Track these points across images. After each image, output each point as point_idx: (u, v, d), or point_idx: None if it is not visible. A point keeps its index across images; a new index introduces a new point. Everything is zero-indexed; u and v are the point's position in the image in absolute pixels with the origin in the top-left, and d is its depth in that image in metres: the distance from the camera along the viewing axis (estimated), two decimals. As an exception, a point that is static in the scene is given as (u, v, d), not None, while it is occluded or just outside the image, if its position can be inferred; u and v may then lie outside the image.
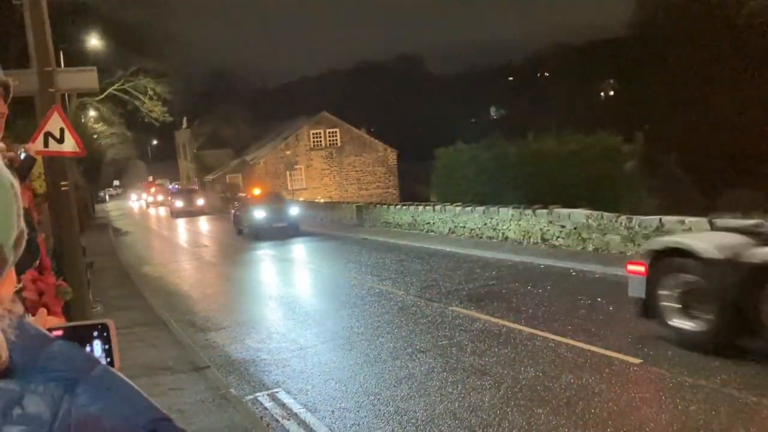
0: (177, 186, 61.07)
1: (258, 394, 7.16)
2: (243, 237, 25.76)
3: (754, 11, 40.52)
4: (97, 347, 1.16)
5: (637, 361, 7.15)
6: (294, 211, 25.32)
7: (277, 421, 6.35)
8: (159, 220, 44.43)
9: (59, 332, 1.15)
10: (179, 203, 44.25)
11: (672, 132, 36.90)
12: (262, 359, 8.55)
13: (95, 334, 1.17)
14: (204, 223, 36.73)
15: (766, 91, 36.23)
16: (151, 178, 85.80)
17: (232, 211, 28.86)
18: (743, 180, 33.00)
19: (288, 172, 42.93)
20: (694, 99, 37.17)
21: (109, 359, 1.15)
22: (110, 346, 1.16)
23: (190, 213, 42.60)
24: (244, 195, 29.82)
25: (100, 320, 1.19)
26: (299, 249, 21.29)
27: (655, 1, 41.88)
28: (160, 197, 60.30)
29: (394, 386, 7.05)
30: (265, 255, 20.27)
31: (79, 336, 1.16)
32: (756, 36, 38.41)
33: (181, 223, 37.92)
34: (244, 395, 7.12)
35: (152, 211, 55.59)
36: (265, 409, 6.71)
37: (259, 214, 24.42)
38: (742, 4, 40.44)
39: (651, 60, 40.19)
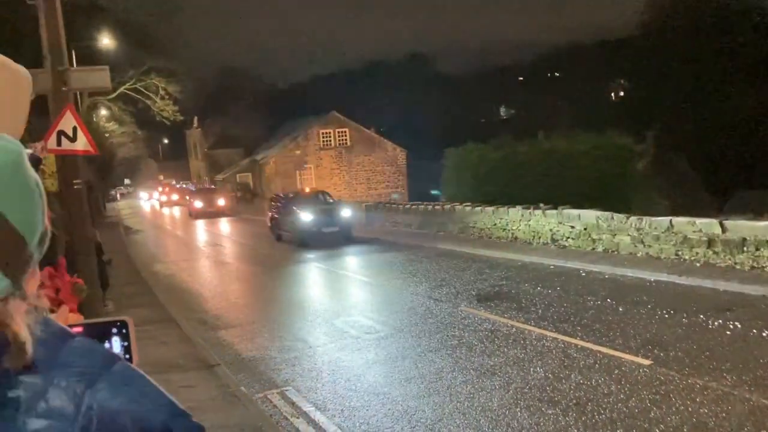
0: (195, 185, 58.46)
1: (268, 392, 7.20)
2: (283, 245, 22.00)
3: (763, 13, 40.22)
4: (116, 344, 1.19)
5: (646, 362, 7.14)
6: (346, 213, 21.66)
7: (287, 419, 6.38)
8: (176, 222, 43.40)
9: (79, 329, 1.17)
10: (198, 203, 41.36)
11: (682, 132, 36.69)
12: (272, 357, 8.59)
13: (114, 330, 1.19)
14: (226, 226, 34.20)
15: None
16: (161, 177, 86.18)
17: (269, 213, 24.64)
18: (754, 181, 32.79)
19: (298, 172, 43.03)
20: (705, 99, 36.95)
21: (127, 356, 1.18)
22: (129, 343, 1.19)
23: (211, 214, 40.02)
24: (283, 194, 25.65)
25: (120, 317, 1.22)
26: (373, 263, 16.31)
27: (665, 3, 41.65)
28: (175, 196, 58.37)
29: (404, 385, 7.07)
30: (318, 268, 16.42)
31: (99, 332, 1.19)
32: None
33: (201, 225, 35.09)
34: (254, 393, 7.16)
35: (166, 210, 53.31)
36: (275, 407, 6.74)
37: (306, 216, 20.69)
38: (756, 2, 40.15)
39: (661, 60, 39.98)
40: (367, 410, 6.43)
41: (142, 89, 34.69)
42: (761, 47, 37.02)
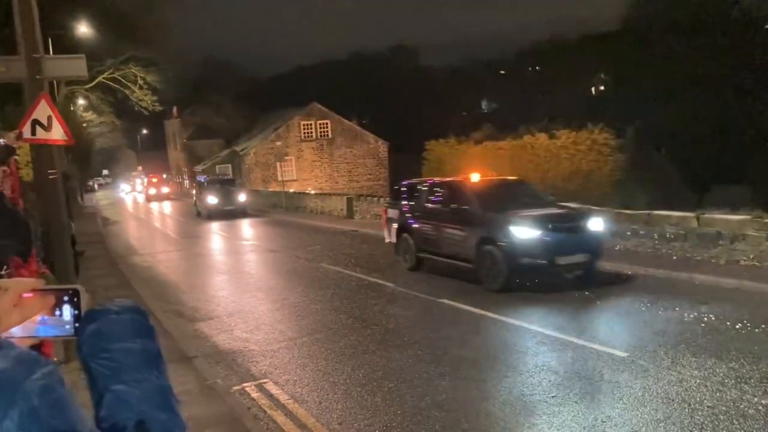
0: (206, 177, 39.24)
1: (245, 384, 7.16)
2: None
3: (750, 6, 40.67)
4: (67, 312, 1.18)
5: (623, 354, 7.20)
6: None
7: (265, 411, 6.36)
8: (181, 226, 40.49)
9: (30, 294, 1.16)
10: (213, 200, 29.99)
11: (662, 127, 37.06)
12: (250, 350, 8.55)
13: (66, 299, 1.19)
14: (259, 229, 24.96)
15: (759, 87, 36.42)
16: (140, 168, 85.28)
17: (388, 213, 14.62)
18: (732, 176, 33.22)
19: (278, 163, 42.79)
20: (683, 95, 37.32)
21: (77, 324, 1.16)
22: (79, 312, 1.18)
23: (228, 214, 29.74)
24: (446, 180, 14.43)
25: (72, 286, 1.21)
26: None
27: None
28: (165, 189, 56.20)
29: (382, 377, 7.07)
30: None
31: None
32: (751, 31, 38.56)
33: (219, 229, 25.45)
34: (231, 385, 7.12)
35: (154, 206, 46.19)
36: (253, 399, 6.71)
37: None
38: (735, 1, 40.58)
39: (642, 56, 40.29)
40: (346, 402, 6.42)
41: (120, 78, 34.28)
42: (739, 44, 37.45)
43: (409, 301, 10.77)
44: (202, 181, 33.40)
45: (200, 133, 62.35)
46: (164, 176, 64.09)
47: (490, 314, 9.32)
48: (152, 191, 55.25)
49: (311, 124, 49.71)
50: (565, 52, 56.87)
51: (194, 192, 29.77)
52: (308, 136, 49.62)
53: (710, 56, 37.02)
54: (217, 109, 60.51)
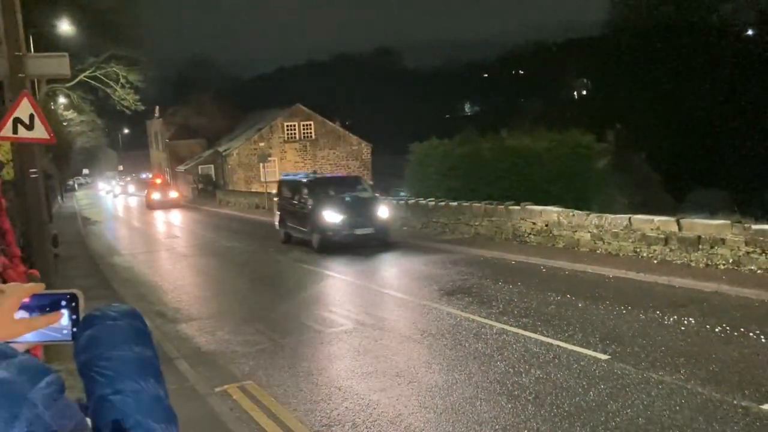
0: (305, 174, 20.95)
1: (228, 385, 7.13)
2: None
3: (727, 14, 41.25)
4: (66, 316, 1.18)
5: (604, 357, 7.27)
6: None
7: (247, 413, 6.34)
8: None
9: (28, 299, 1.16)
10: (335, 217, 16.92)
11: (642, 131, 37.46)
12: (232, 351, 8.51)
13: (64, 303, 1.19)
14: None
15: (737, 93, 36.91)
16: (120, 167, 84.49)
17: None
18: (710, 180, 33.65)
19: (261, 164, 42.64)
20: (664, 99, 37.73)
21: (75, 329, 1.16)
22: (78, 317, 1.19)
23: (363, 241, 17.23)
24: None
25: (70, 290, 1.21)
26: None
27: (629, 2, 42.39)
28: (173, 194, 42.36)
29: (365, 379, 7.08)
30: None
31: (49, 304, 1.18)
32: (728, 39, 39.09)
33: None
34: (213, 387, 7.09)
35: (159, 216, 35.07)
36: (235, 401, 6.69)
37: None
38: (713, 8, 41.12)
39: (623, 60, 40.67)
40: (329, 404, 6.42)
41: (102, 77, 33.98)
42: (719, 49, 37.92)
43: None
44: (300, 180, 19.17)
45: (183, 133, 61.93)
46: (168, 177, 52.05)
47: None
48: (156, 196, 41.15)
49: (295, 125, 49.61)
50: (547, 56, 57.29)
51: (276, 200, 20.74)
52: (291, 137, 49.51)
53: (689, 61, 37.47)
54: (200, 110, 60.14)
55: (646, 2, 40.39)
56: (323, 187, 18.21)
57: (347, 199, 17.43)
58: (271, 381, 7.22)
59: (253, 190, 42.65)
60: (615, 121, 38.31)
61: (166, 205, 40.19)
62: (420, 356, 7.80)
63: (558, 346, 7.76)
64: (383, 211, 17.44)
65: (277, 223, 20.23)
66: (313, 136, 49.97)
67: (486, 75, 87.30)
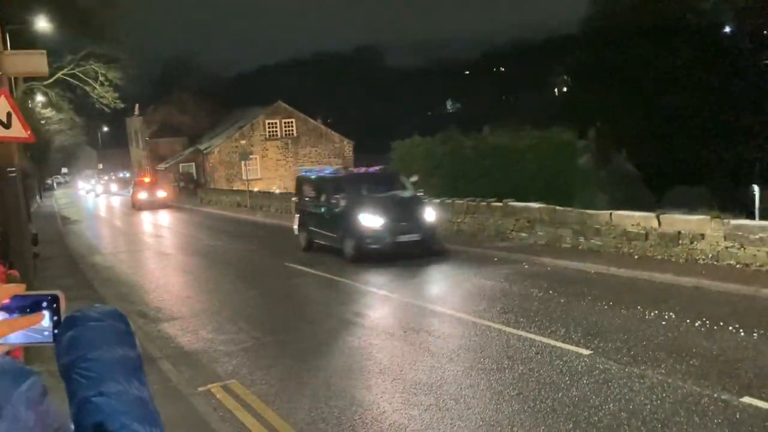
0: (332, 169, 21.18)
1: (211, 385, 7.09)
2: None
3: (705, 12, 41.69)
4: (47, 318, 1.17)
5: (587, 352, 7.32)
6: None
7: (231, 412, 6.30)
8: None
9: (8, 300, 1.15)
10: (375, 221, 14.35)
11: (622, 129, 37.78)
12: (215, 350, 8.46)
13: (45, 304, 1.17)
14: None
15: (715, 91, 37.32)
16: (100, 166, 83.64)
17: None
18: (690, 177, 34.01)
19: (242, 162, 42.41)
20: (644, 97, 38.05)
21: (56, 330, 1.15)
22: (59, 318, 1.17)
23: (408, 248, 14.52)
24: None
25: (51, 291, 1.19)
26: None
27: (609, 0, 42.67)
28: (161, 193, 39.65)
29: (348, 378, 7.07)
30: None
31: (30, 305, 1.17)
32: (707, 36, 39.51)
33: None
34: (197, 386, 7.05)
35: (146, 220, 31.71)
36: (219, 400, 6.65)
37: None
38: (691, 6, 41.53)
39: (604, 57, 40.96)
40: (313, 402, 6.40)
41: (80, 75, 33.60)
42: (697, 47, 38.31)
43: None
44: (327, 177, 17.11)
45: (163, 131, 61.44)
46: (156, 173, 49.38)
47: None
48: (142, 195, 38.81)
49: (276, 123, 49.44)
50: (529, 54, 57.62)
51: (295, 202, 18.26)
52: (273, 135, 49.33)
53: (668, 59, 37.84)
54: (181, 107, 59.69)
55: (626, 0, 40.75)
56: (356, 185, 15.65)
57: (388, 199, 14.93)
58: (254, 379, 7.18)
59: (234, 188, 42.39)
60: (596, 118, 38.62)
61: (155, 206, 38.04)
62: (404, 354, 7.81)
63: (541, 342, 7.80)
64: (429, 214, 14.88)
65: (296, 228, 17.52)
66: (295, 134, 49.84)
67: (468, 73, 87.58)
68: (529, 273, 12.20)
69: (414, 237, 14.23)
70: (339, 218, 14.88)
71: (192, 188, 48.53)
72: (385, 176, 17.15)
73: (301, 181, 17.84)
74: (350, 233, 14.43)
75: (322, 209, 15.87)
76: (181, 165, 53.70)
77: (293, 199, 19.04)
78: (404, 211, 14.57)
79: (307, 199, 17.06)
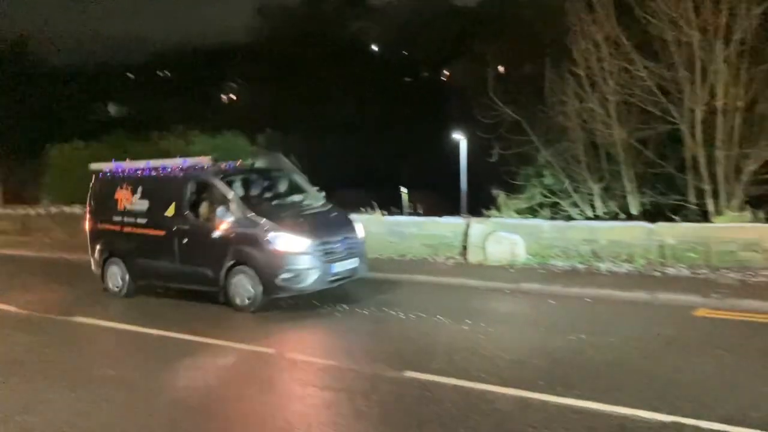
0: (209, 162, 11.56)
1: None
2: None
3: (356, 31, 45.96)
4: None
5: (271, 350, 7.54)
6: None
7: None
8: None
9: None
10: (295, 243, 9.66)
11: (289, 135, 39.73)
12: None
13: None
14: None
15: (366, 102, 41.24)
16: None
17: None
18: (352, 180, 37.10)
19: None
20: (312, 103, 40.39)
21: None
22: None
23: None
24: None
25: None
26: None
27: (274, 12, 44.48)
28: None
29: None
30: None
31: None
32: (357, 53, 43.52)
33: None
34: None
35: None
36: None
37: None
38: (344, 24, 45.44)
39: (273, 66, 42.56)
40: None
41: None
42: (351, 61, 41.97)
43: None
44: (188, 174, 10.81)
45: None
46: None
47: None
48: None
49: None
50: (196, 59, 57.49)
51: (91, 217, 12.06)
52: None
53: (328, 71, 40.79)
54: None
55: (290, 14, 42.80)
56: (239, 187, 10.38)
57: (299, 208, 10.53)
58: None
59: None
60: (265, 125, 39.87)
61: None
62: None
63: (205, 342, 7.70)
64: (359, 230, 10.60)
65: (96, 263, 11.61)
66: None
67: (132, 76, 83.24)
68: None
69: (351, 265, 10.05)
70: (219, 243, 9.74)
71: None
72: (266, 172, 11.71)
73: (108, 185, 11.89)
74: (253, 265, 9.51)
75: (174, 227, 10.31)
76: None
77: (87, 215, 12.22)
78: (331, 227, 10.19)
79: (124, 212, 11.17)
